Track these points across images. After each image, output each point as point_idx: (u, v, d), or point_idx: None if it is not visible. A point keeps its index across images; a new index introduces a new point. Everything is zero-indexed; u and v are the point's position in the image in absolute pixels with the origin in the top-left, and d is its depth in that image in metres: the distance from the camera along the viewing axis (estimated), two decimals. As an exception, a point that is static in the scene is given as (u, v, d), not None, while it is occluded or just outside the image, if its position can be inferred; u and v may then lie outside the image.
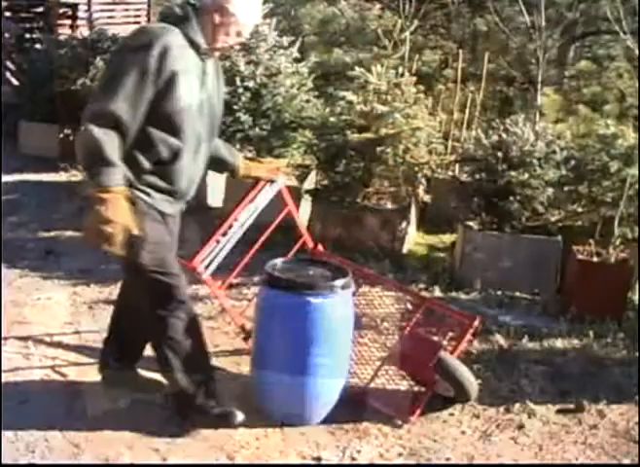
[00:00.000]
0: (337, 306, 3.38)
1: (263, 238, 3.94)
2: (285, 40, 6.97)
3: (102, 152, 2.92)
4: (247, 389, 3.59)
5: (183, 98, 3.10)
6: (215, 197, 6.51)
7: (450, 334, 4.09)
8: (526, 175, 5.24)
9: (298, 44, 7.17)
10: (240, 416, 3.42)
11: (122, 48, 3.26)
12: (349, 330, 3.55)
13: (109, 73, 3.11)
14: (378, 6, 12.93)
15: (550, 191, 5.33)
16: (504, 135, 5.45)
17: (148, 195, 3.18)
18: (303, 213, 5.65)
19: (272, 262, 3.53)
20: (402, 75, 6.15)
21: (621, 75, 10.25)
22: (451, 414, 3.68)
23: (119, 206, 2.92)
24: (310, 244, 3.99)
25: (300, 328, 3.36)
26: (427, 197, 6.58)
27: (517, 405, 3.77)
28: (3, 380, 3.77)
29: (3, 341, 4.19)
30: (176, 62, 3.06)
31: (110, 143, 2.95)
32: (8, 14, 10.93)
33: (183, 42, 3.11)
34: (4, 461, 3.18)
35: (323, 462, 3.29)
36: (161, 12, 3.31)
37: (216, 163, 3.60)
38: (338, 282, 3.39)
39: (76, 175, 7.96)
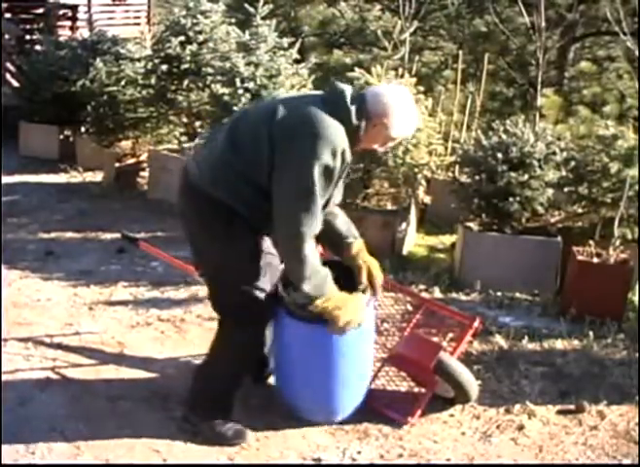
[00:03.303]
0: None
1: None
2: (285, 41, 6.97)
3: (316, 269, 3.16)
4: (248, 390, 3.59)
5: (331, 184, 3.20)
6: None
7: (450, 335, 4.10)
8: (526, 176, 5.24)
9: (298, 45, 7.17)
10: (249, 434, 3.42)
11: (308, 157, 3.07)
12: (371, 339, 3.54)
13: (302, 184, 3.07)
14: (378, 7, 12.95)
15: (549, 192, 5.33)
16: (504, 136, 5.44)
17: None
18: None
19: (290, 293, 3.34)
20: (402, 76, 6.15)
21: (620, 76, 10.27)
22: (451, 415, 3.68)
23: (346, 304, 3.19)
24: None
25: (322, 353, 3.34)
26: (427, 199, 6.59)
27: (518, 406, 3.77)
28: (3, 381, 3.77)
29: (3, 343, 4.19)
30: (340, 163, 3.13)
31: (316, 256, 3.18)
32: (8, 15, 10.92)
33: (346, 143, 3.15)
34: (4, 462, 3.18)
35: (323, 463, 3.29)
36: (334, 92, 3.23)
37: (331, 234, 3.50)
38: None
39: (76, 176, 7.97)
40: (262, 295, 3.30)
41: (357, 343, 3.38)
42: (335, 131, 3.11)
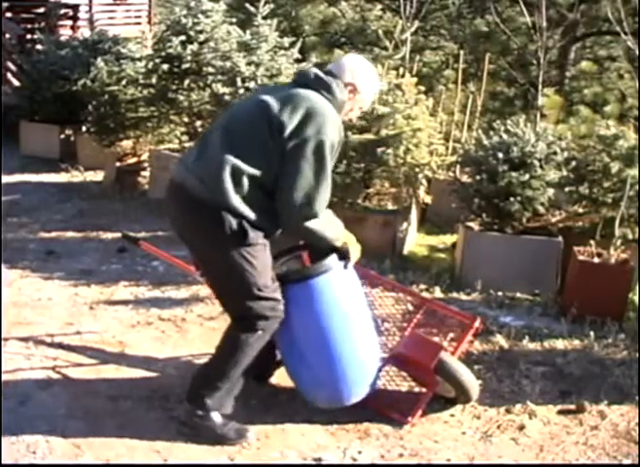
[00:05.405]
0: (336, 280, 3.42)
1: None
2: (286, 41, 6.97)
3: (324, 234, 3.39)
4: (248, 390, 3.59)
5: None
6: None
7: (451, 335, 4.10)
8: (527, 176, 5.23)
9: (298, 45, 7.18)
10: (252, 433, 3.42)
11: (320, 138, 3.20)
12: (358, 301, 3.55)
13: (318, 164, 3.21)
14: (379, 7, 12.97)
15: (550, 191, 5.33)
16: (505, 136, 5.44)
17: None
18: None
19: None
20: (402, 76, 6.15)
21: (621, 76, 10.28)
22: (452, 415, 3.68)
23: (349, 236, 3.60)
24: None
25: (308, 311, 3.40)
26: (428, 198, 6.58)
27: (518, 405, 3.76)
28: (4, 381, 3.77)
29: (4, 342, 4.19)
30: (339, 138, 3.32)
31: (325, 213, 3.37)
32: (9, 14, 10.93)
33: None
34: (4, 462, 3.18)
35: (323, 463, 3.29)
36: (307, 75, 3.36)
37: None
38: (331, 259, 3.42)
39: (77, 176, 7.98)
40: (275, 295, 3.32)
41: (348, 302, 3.47)
42: (332, 109, 3.28)
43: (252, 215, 3.22)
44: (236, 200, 3.19)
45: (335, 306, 3.42)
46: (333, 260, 3.42)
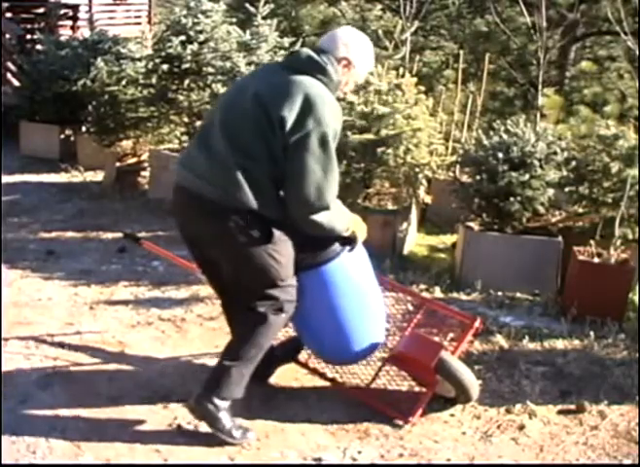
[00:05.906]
0: (345, 263, 3.48)
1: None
2: (286, 41, 6.97)
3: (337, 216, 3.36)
4: (248, 390, 3.59)
5: None
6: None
7: (451, 334, 4.10)
8: (527, 176, 5.24)
9: (298, 45, 7.18)
10: (252, 433, 3.41)
11: (322, 129, 3.15)
12: (367, 282, 3.61)
13: (323, 154, 3.17)
14: (379, 7, 12.96)
15: (550, 191, 5.33)
16: (505, 136, 5.45)
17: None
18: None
19: None
20: (402, 76, 6.15)
21: (621, 76, 10.28)
22: (452, 415, 3.68)
23: (357, 220, 3.53)
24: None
25: (320, 296, 3.46)
26: (428, 198, 6.59)
27: (518, 405, 3.76)
28: (4, 381, 3.77)
29: (4, 342, 4.18)
30: (340, 124, 3.30)
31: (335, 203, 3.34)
32: (9, 14, 10.92)
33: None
34: (5, 462, 3.18)
35: (323, 462, 3.29)
36: (300, 58, 3.29)
37: None
38: (337, 244, 3.46)
39: (77, 176, 7.98)
40: (294, 281, 3.35)
41: (353, 286, 3.53)
42: (330, 95, 3.22)
43: (272, 213, 3.21)
44: (254, 201, 3.15)
45: (345, 289, 3.48)
46: (339, 245, 3.47)
